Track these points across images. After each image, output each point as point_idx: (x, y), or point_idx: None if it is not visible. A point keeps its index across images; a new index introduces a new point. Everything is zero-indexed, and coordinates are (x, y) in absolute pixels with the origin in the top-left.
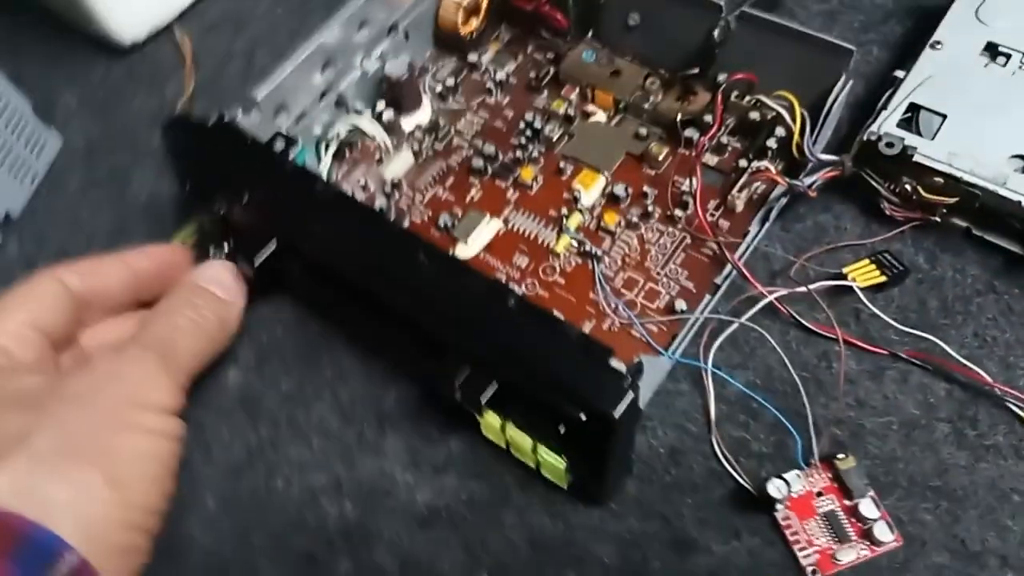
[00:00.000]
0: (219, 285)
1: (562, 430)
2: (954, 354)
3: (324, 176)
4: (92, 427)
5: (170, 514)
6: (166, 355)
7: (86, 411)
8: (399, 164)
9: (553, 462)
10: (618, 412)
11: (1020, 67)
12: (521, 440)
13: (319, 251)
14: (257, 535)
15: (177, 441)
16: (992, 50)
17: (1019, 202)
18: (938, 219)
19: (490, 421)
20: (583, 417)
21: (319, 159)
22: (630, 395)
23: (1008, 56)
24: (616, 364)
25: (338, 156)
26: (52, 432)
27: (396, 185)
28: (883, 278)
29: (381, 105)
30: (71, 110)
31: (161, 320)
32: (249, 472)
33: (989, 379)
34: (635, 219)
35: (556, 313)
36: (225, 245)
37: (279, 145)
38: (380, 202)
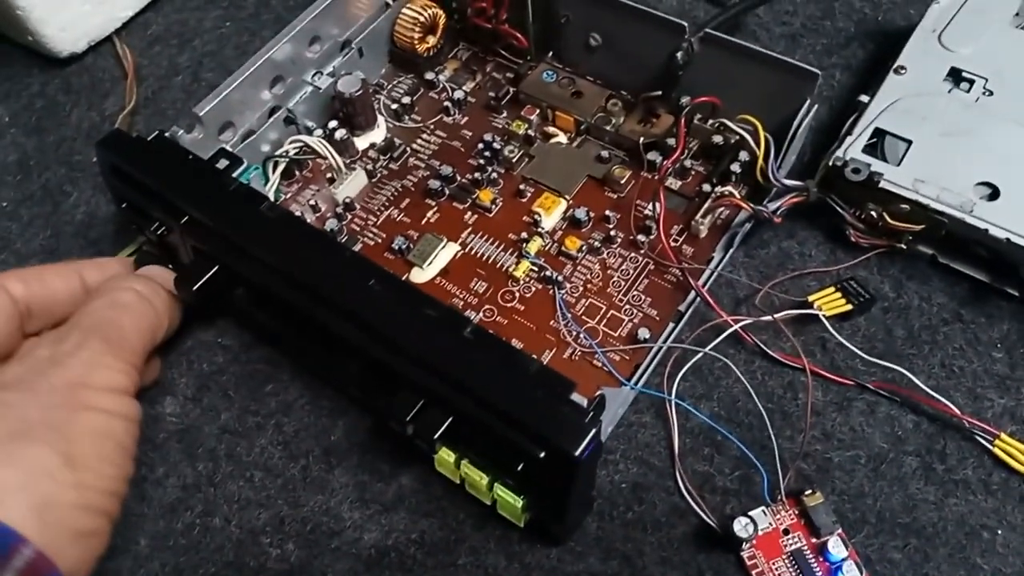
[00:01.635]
0: (157, 276)
1: (520, 467)
2: (921, 385)
3: (272, 196)
4: (40, 408)
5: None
6: (110, 336)
7: (31, 394)
8: (352, 184)
9: (510, 500)
10: (579, 451)
11: (984, 93)
12: (477, 477)
13: (263, 276)
14: None
15: (134, 422)
16: (955, 75)
17: (986, 230)
18: (904, 246)
19: (444, 457)
20: (542, 455)
21: (267, 179)
22: (591, 432)
23: (972, 82)
24: (577, 399)
25: (287, 175)
26: None
27: (348, 206)
28: (849, 307)
29: (334, 123)
30: (3, 124)
31: (102, 299)
32: (184, 510)
33: (957, 411)
34: (597, 244)
35: (515, 343)
36: (163, 267)
37: (222, 163)
38: (331, 223)
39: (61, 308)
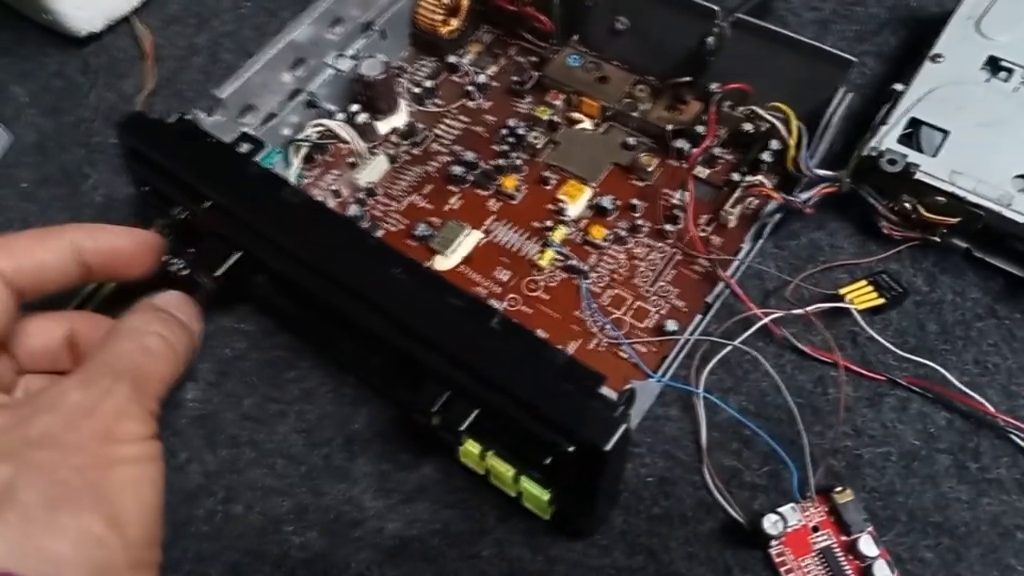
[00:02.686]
0: (177, 309)
1: (547, 461)
2: (955, 381)
3: (294, 181)
4: (76, 469)
5: None
6: (136, 382)
7: (65, 453)
8: (374, 169)
9: (536, 493)
10: (609, 445)
11: (1023, 83)
12: (502, 469)
13: (285, 263)
14: (213, 566)
15: (160, 463)
16: (994, 65)
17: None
18: (938, 239)
19: (469, 449)
20: (571, 449)
21: (288, 163)
22: (622, 427)
23: (1010, 71)
24: (607, 392)
25: (308, 160)
26: (36, 482)
27: (370, 191)
28: (881, 300)
29: (355, 107)
30: (21, 104)
31: (129, 342)
32: (206, 497)
33: (991, 408)
34: (623, 233)
35: (539, 333)
36: (185, 253)
37: (244, 147)
38: (353, 209)
39: (52, 284)
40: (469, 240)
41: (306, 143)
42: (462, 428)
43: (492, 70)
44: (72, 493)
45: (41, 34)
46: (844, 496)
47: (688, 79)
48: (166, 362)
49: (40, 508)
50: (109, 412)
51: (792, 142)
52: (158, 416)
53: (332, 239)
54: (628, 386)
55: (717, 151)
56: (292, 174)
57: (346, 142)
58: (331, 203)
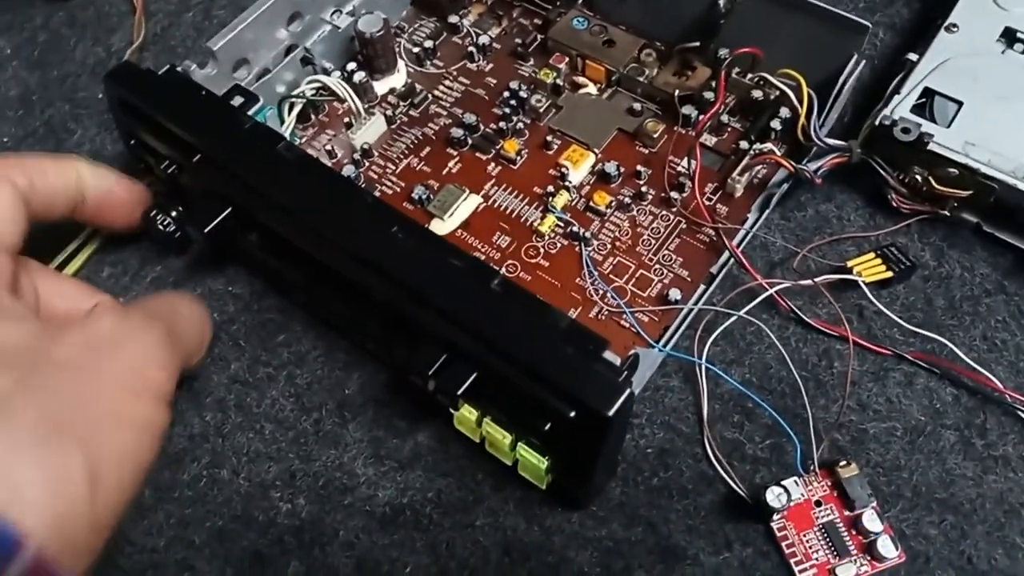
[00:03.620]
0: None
1: (547, 427)
2: (962, 356)
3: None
4: (83, 402)
5: None
6: (171, 332)
7: (80, 382)
8: (370, 130)
9: (534, 461)
10: (612, 411)
11: None
12: (499, 436)
13: (278, 220)
14: (197, 531)
15: (159, 440)
16: (1010, 36)
17: None
18: (947, 213)
19: (465, 414)
20: (572, 415)
21: (282, 120)
22: (625, 392)
23: None
24: (610, 357)
25: (303, 118)
26: (38, 402)
27: (366, 152)
28: (889, 273)
29: (353, 65)
30: (5, 57)
31: (162, 302)
32: (191, 461)
33: (999, 385)
34: (627, 200)
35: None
36: (174, 210)
37: (237, 100)
38: (348, 170)
39: (58, 209)
40: (468, 204)
41: (300, 99)
42: (459, 392)
43: (494, 31)
44: (68, 427)
45: None
46: (848, 471)
47: (697, 44)
48: (191, 331)
49: (29, 431)
50: (142, 347)
51: (803, 110)
52: (177, 382)
53: (328, 196)
54: (632, 351)
55: (725, 118)
56: (285, 132)
57: (342, 100)
58: (326, 163)
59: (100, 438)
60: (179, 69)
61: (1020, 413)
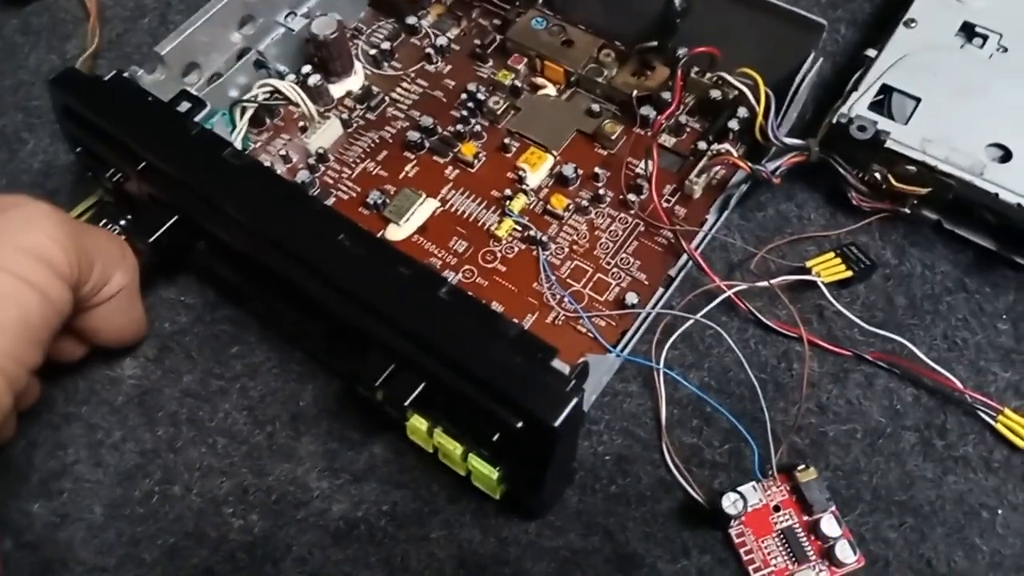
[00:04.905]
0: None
1: (495, 437)
2: (922, 356)
3: (239, 144)
4: None
5: (49, 523)
6: (64, 219)
7: None
8: (326, 134)
9: (485, 471)
10: (558, 421)
11: (998, 49)
12: (450, 447)
13: (225, 228)
14: (148, 548)
15: (53, 306)
16: (968, 30)
17: (996, 194)
18: (907, 211)
19: (416, 425)
20: (519, 425)
21: (233, 125)
22: (573, 402)
23: (985, 37)
24: (559, 366)
25: (257, 122)
26: None
27: (322, 157)
28: (849, 273)
29: (307, 68)
30: None
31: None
32: (142, 477)
33: (959, 384)
34: (585, 203)
35: (496, 306)
36: (123, 219)
37: (184, 106)
38: (303, 175)
39: None
40: (424, 209)
41: (252, 104)
42: (407, 403)
43: (453, 33)
44: None
45: None
46: (807, 475)
47: (655, 44)
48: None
49: None
50: (20, 216)
51: (760, 109)
52: (82, 269)
53: (275, 204)
54: (581, 359)
55: (684, 119)
56: (238, 137)
57: (295, 104)
58: (280, 168)
59: None
60: (126, 75)
61: (980, 413)
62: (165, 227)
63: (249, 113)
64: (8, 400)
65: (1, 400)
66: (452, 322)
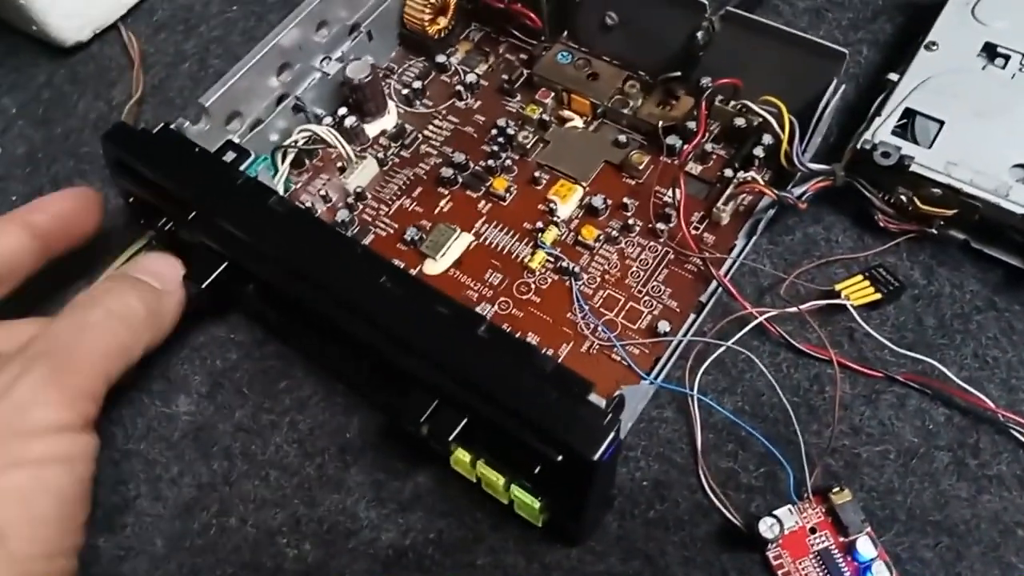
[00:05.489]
0: (152, 275)
1: (537, 469)
2: (953, 377)
3: (281, 187)
4: None
5: (114, 556)
6: (61, 361)
7: None
8: (363, 173)
9: (527, 501)
10: (597, 455)
11: (1020, 69)
12: (493, 478)
13: (272, 272)
14: None
15: (79, 463)
16: (990, 51)
17: (1022, 215)
18: (935, 231)
19: (460, 457)
20: (559, 459)
21: (276, 170)
22: (610, 436)
23: (1007, 57)
24: (595, 400)
25: (297, 164)
26: None
27: (360, 195)
28: (877, 295)
29: (343, 110)
30: (10, 116)
31: (67, 319)
32: (200, 510)
33: (991, 404)
34: (615, 233)
35: (531, 336)
36: None
37: (229, 155)
38: (343, 214)
39: (21, 269)
40: (459, 243)
41: (292, 148)
42: (450, 438)
43: (481, 69)
44: None
45: (29, 45)
46: (841, 496)
47: (679, 74)
48: (112, 332)
49: None
50: (13, 403)
51: (784, 136)
52: (97, 396)
53: (318, 248)
54: (617, 392)
55: (709, 147)
56: (280, 180)
57: (333, 147)
58: (320, 208)
59: None
60: (173, 127)
61: (1013, 432)
62: (215, 273)
63: (290, 158)
64: None
65: None
66: (491, 360)
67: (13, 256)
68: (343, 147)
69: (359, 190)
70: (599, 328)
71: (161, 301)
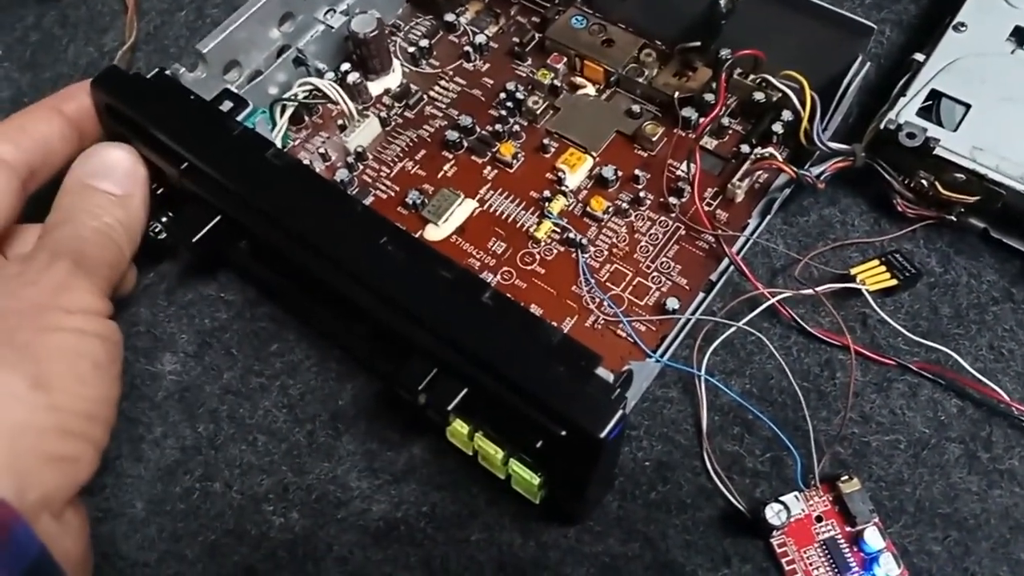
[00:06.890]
0: (110, 180)
1: (538, 444)
2: (968, 367)
3: (279, 142)
4: (7, 331)
5: (91, 519)
6: (79, 261)
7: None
8: (364, 132)
9: (526, 477)
10: (604, 432)
11: None
12: (491, 451)
13: (267, 229)
14: (189, 545)
15: (112, 342)
16: (1020, 35)
17: None
18: (954, 218)
19: (457, 428)
20: (563, 434)
21: (274, 124)
22: (618, 413)
23: None
24: (603, 374)
25: (296, 120)
26: None
27: (360, 155)
28: (893, 281)
29: (347, 66)
30: None
31: (64, 228)
32: (183, 474)
33: (1005, 396)
34: (624, 205)
35: (534, 309)
36: (164, 216)
37: (226, 105)
38: (342, 174)
39: (57, 157)
40: (463, 209)
41: (292, 102)
42: (450, 408)
43: (491, 30)
44: None
45: None
46: (850, 485)
47: (698, 44)
48: (104, 248)
49: None
50: (50, 283)
51: (805, 113)
52: (107, 297)
53: (317, 205)
54: (625, 367)
55: (726, 121)
56: (278, 135)
57: (335, 103)
58: (319, 167)
59: (35, 350)
60: (168, 72)
61: None
62: (207, 227)
63: (289, 111)
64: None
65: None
66: (495, 328)
67: (49, 142)
68: (345, 103)
69: (360, 150)
70: (605, 303)
71: (127, 209)
